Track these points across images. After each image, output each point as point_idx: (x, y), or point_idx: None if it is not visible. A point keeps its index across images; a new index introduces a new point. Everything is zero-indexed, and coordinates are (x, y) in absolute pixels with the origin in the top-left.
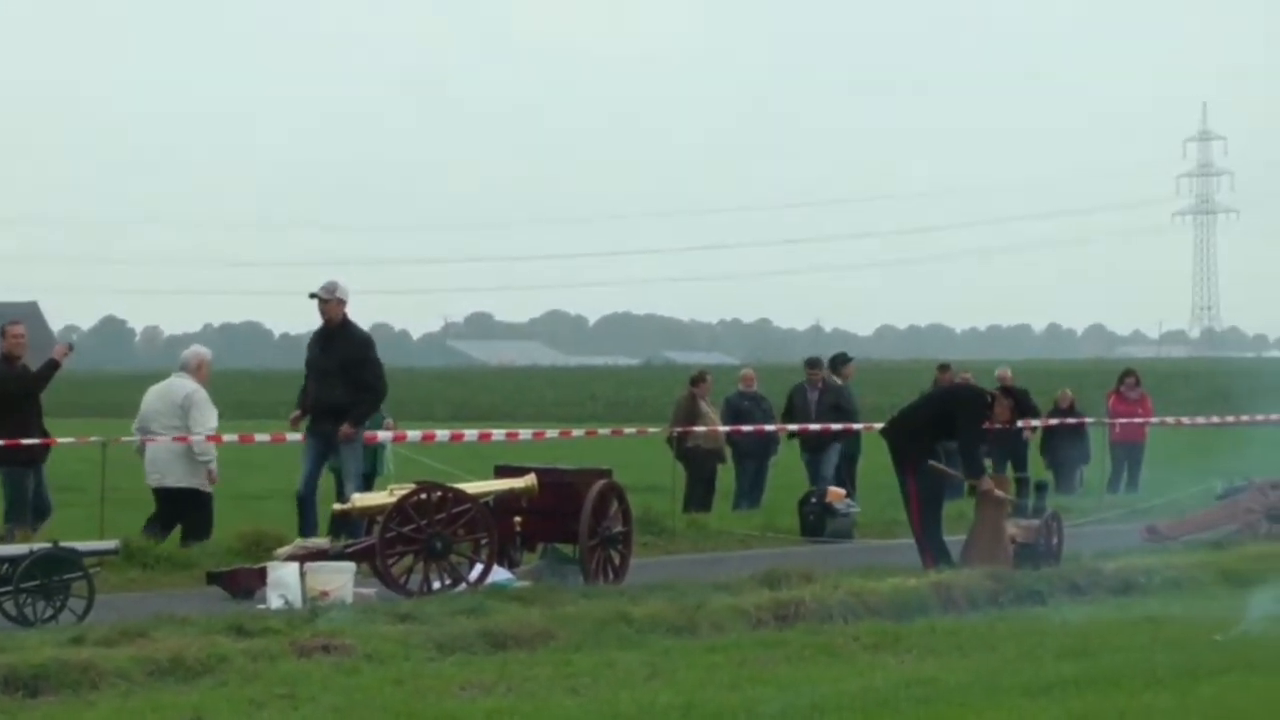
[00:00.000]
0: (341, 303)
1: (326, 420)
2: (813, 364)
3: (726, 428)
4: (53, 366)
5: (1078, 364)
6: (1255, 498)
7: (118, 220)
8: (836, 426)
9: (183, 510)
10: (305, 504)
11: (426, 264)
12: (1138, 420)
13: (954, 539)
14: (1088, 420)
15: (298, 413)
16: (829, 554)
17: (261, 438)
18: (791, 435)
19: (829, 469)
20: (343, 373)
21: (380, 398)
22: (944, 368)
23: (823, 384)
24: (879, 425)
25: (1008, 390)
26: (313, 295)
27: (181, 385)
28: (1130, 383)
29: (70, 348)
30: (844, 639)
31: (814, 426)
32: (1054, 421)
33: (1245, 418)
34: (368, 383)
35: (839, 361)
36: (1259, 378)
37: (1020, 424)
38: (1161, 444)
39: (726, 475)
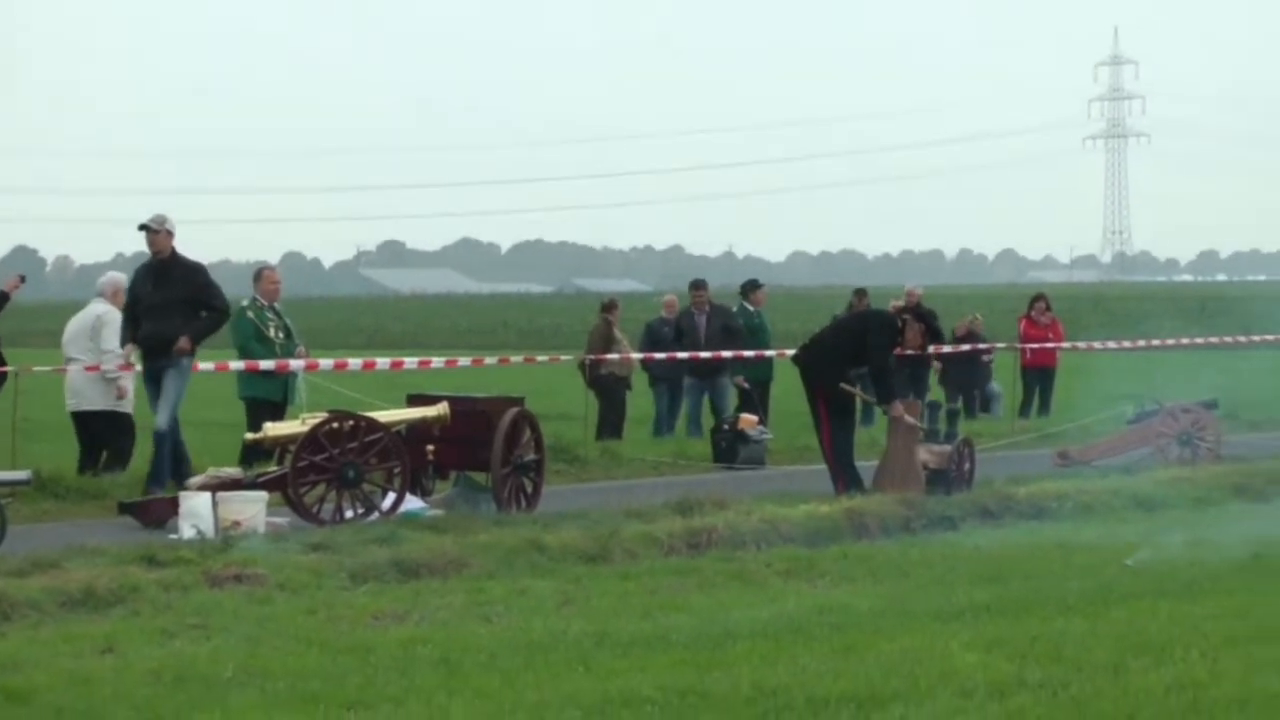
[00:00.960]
0: (170, 234)
1: (162, 355)
2: (697, 285)
3: (640, 355)
4: (3, 299)
5: (989, 289)
6: (1166, 422)
7: (27, 148)
8: (749, 353)
9: (104, 435)
10: (175, 446)
11: (338, 191)
12: (1049, 345)
13: (866, 465)
14: (999, 346)
15: (130, 346)
16: (742, 481)
17: None
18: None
19: (723, 398)
20: (185, 304)
21: (225, 319)
22: (860, 293)
23: (709, 306)
24: (791, 351)
25: (919, 313)
26: (142, 227)
27: (95, 309)
28: (1041, 307)
29: (22, 279)
30: (757, 566)
31: (753, 355)
32: (966, 348)
33: (1156, 342)
34: (214, 306)
35: (750, 287)
36: (1169, 302)
37: (932, 349)
38: (1073, 368)
39: (642, 403)
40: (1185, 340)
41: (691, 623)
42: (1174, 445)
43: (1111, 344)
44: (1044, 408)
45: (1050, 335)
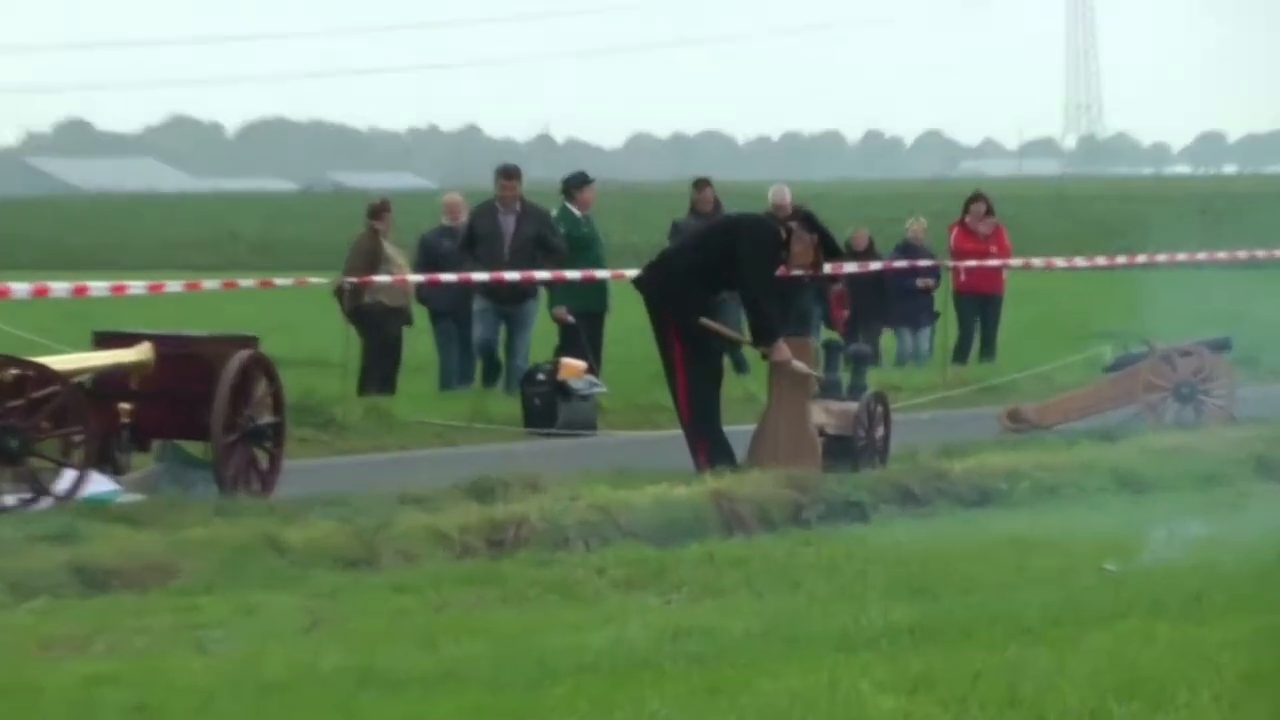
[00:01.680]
0: None
1: None
2: (508, 173)
3: (420, 276)
4: None
5: (908, 185)
6: (1158, 369)
7: None
8: (573, 274)
9: None
10: None
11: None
12: (991, 263)
13: (739, 430)
14: (923, 263)
15: None
16: (563, 452)
17: None
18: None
19: (524, 339)
20: None
21: None
22: (701, 185)
23: (521, 205)
24: (632, 272)
25: (807, 220)
26: None
27: None
28: (980, 211)
29: None
30: (585, 572)
31: (579, 276)
32: (876, 266)
33: (1141, 259)
34: None
35: (575, 184)
36: (1158, 204)
37: (829, 270)
38: (1026, 295)
39: (423, 343)
40: (1182, 256)
41: (493, 653)
42: (1170, 402)
43: (1080, 261)
44: (987, 349)
45: (993, 249)
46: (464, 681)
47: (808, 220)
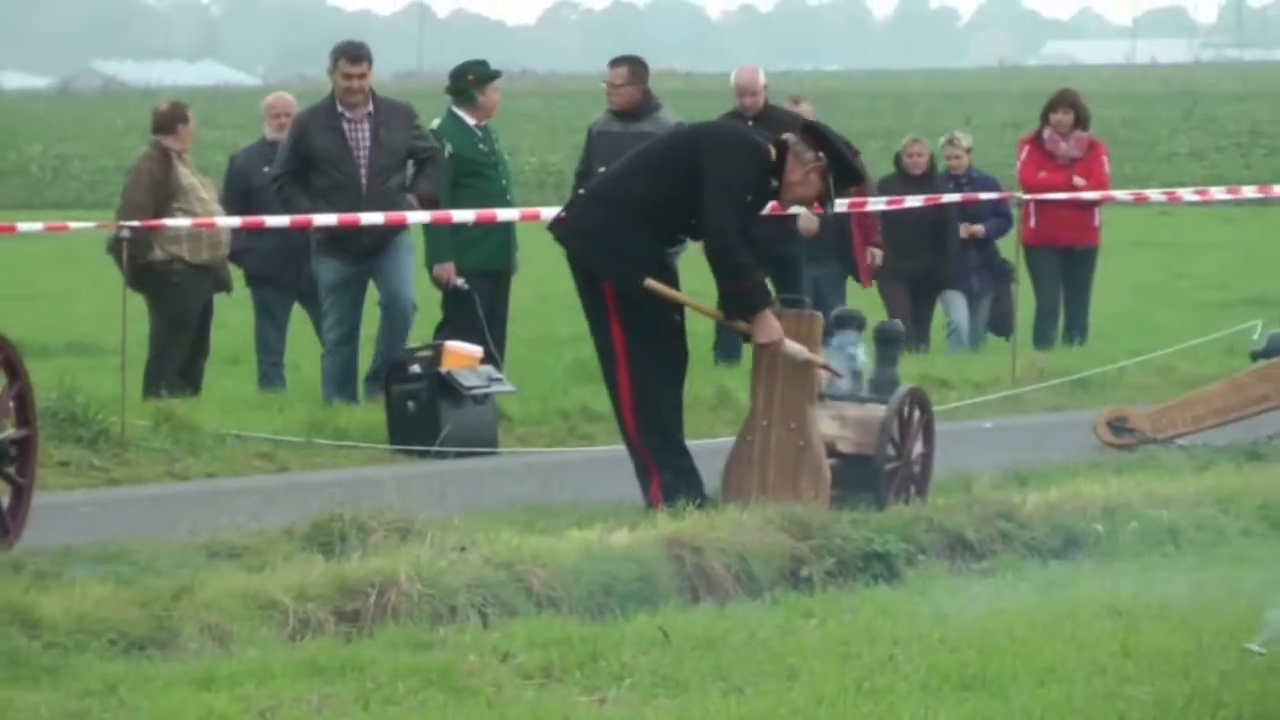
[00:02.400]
0: None
1: None
2: (353, 56)
3: (235, 219)
4: None
5: (962, 79)
6: None
7: None
8: (463, 216)
9: None
10: None
11: None
12: (1084, 196)
13: (710, 445)
14: (984, 196)
15: None
16: (448, 479)
17: None
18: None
19: (402, 307)
20: None
21: None
22: (625, 67)
23: (375, 103)
24: (549, 212)
25: (809, 131)
26: None
27: None
28: (1065, 122)
29: None
30: (482, 658)
31: (470, 219)
32: (914, 202)
33: None
34: None
35: (469, 80)
36: None
37: (849, 204)
38: (1136, 245)
39: (239, 317)
40: None
41: None
42: None
43: (1219, 193)
44: (1075, 327)
45: (1083, 176)
46: None
47: (810, 132)
